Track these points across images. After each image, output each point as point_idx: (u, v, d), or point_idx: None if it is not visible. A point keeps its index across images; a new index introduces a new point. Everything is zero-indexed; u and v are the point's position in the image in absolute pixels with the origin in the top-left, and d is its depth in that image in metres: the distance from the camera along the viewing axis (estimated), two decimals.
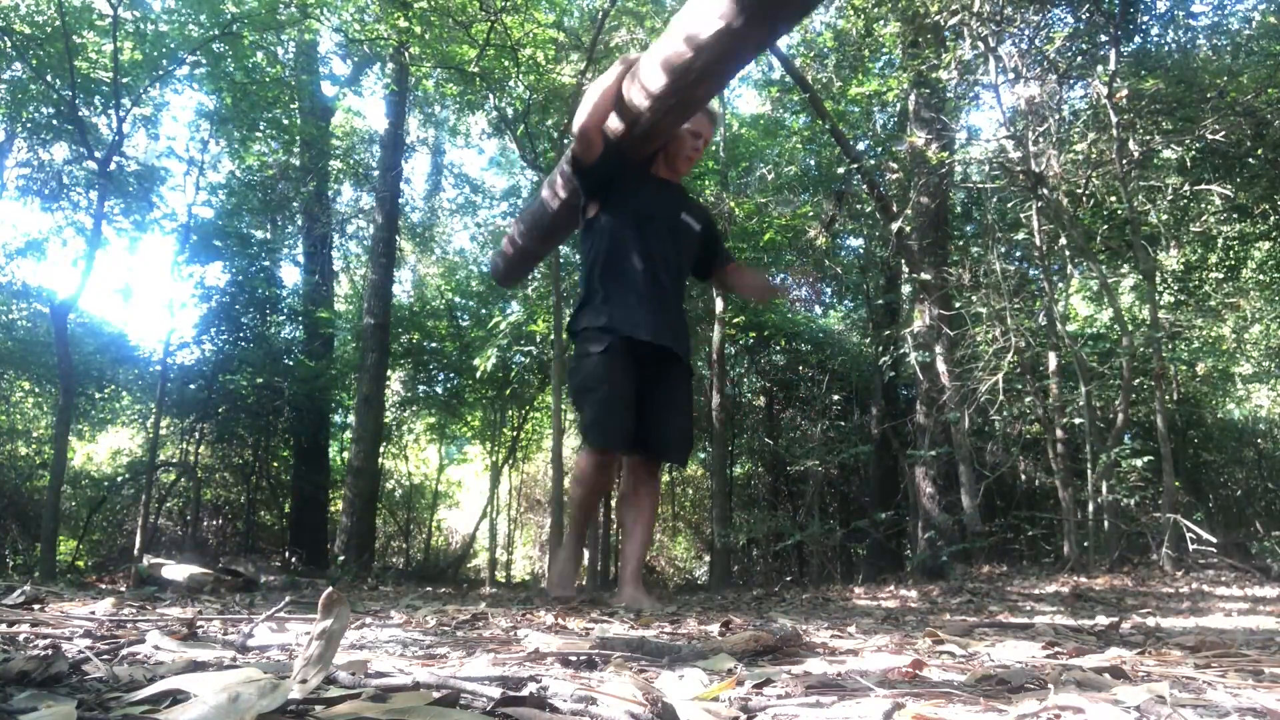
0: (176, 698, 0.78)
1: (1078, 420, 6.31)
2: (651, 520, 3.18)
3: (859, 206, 10.72)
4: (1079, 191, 6.69)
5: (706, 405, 10.80)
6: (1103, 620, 2.28)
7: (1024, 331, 6.70)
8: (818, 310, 13.86)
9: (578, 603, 2.78)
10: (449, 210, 16.41)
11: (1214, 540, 5.44)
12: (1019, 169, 6.41)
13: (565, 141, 9.75)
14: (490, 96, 9.38)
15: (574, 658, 1.28)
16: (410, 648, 1.48)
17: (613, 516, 14.00)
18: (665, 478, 15.17)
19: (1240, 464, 10.98)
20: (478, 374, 11.45)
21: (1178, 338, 8.09)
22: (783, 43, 9.38)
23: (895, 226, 7.26)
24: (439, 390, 13.55)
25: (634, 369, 2.96)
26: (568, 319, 3.15)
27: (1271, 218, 7.85)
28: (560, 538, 9.24)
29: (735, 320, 11.40)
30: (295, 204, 12.05)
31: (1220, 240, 7.96)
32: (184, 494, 11.50)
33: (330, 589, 0.93)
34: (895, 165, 8.17)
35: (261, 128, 9.79)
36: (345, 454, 12.49)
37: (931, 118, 7.86)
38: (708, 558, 12.92)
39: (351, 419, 11.60)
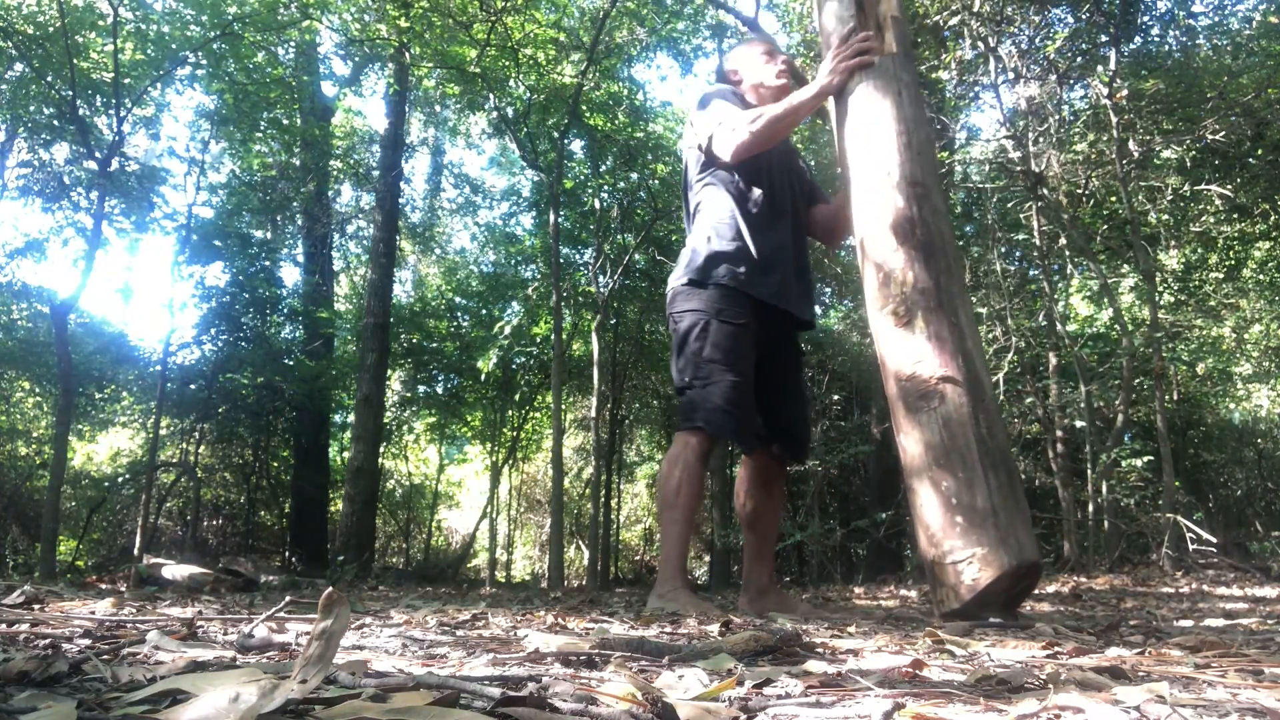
0: (176, 698, 0.78)
1: (1079, 424, 6.31)
2: (779, 516, 2.81)
3: None
4: (1079, 191, 6.69)
5: None
6: (1103, 620, 2.28)
7: (1024, 331, 6.69)
8: (818, 310, 13.87)
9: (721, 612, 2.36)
10: (449, 210, 16.42)
11: (1214, 540, 5.44)
12: (1019, 169, 6.41)
13: (566, 141, 9.76)
14: (490, 96, 9.38)
15: (574, 658, 1.28)
16: (410, 648, 1.48)
17: (614, 517, 14.01)
18: None
19: (1240, 464, 10.97)
20: (481, 376, 11.46)
21: (1178, 338, 8.09)
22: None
23: None
24: (439, 390, 13.55)
25: (757, 343, 2.57)
26: (687, 268, 2.60)
27: (1271, 218, 7.85)
28: (560, 538, 9.25)
29: None
30: (295, 204, 12.05)
31: (1220, 240, 7.95)
32: (184, 494, 11.50)
33: (330, 589, 0.93)
34: None
35: (262, 128, 9.79)
36: (345, 454, 12.49)
37: (931, 118, 7.86)
38: (708, 558, 12.92)
39: (351, 419, 11.61)
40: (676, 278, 2.64)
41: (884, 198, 1.88)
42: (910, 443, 1.67)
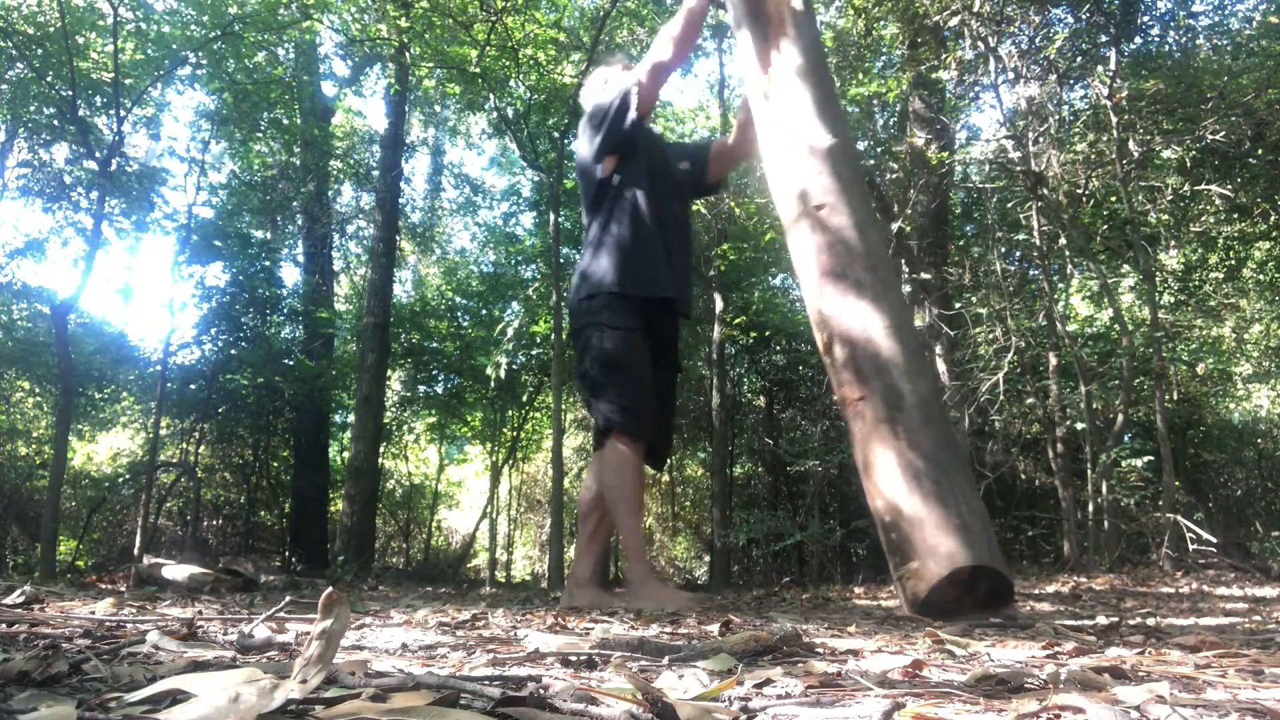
0: (176, 698, 0.78)
1: (1079, 425, 6.31)
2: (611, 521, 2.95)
3: None
4: (1079, 191, 6.69)
5: (706, 405, 10.79)
6: (1103, 620, 2.28)
7: (1024, 331, 6.70)
8: None
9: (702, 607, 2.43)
10: (449, 210, 16.42)
11: (1214, 540, 5.44)
12: (1019, 169, 6.41)
13: (566, 142, 9.75)
14: (491, 96, 9.38)
15: (574, 658, 1.28)
16: (410, 648, 1.48)
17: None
18: (665, 477, 15.17)
19: (1240, 464, 10.97)
20: (491, 382, 11.47)
21: (1178, 338, 8.08)
22: None
23: (895, 226, 7.26)
24: (439, 390, 13.55)
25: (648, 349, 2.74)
26: (576, 288, 2.81)
27: (1271, 218, 7.85)
28: (560, 538, 9.24)
29: (736, 320, 11.40)
30: (295, 204, 12.06)
31: (1220, 240, 7.95)
32: (184, 494, 11.50)
33: (330, 589, 0.93)
34: (895, 165, 8.18)
35: (262, 128, 9.79)
36: (345, 454, 12.49)
37: (931, 118, 7.87)
38: (708, 558, 12.92)
39: (351, 419, 11.60)
40: (574, 292, 2.82)
41: (796, 234, 1.86)
42: (859, 465, 1.66)
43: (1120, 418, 6.35)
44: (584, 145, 2.96)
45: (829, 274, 1.74)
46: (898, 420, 1.62)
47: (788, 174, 1.86)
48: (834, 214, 1.75)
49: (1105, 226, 7.68)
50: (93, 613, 1.86)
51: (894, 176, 8.21)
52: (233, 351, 10.74)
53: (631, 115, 2.75)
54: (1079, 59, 6.87)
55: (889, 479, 1.59)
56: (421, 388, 13.69)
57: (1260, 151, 6.92)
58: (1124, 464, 6.07)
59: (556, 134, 9.63)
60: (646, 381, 2.68)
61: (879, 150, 9.76)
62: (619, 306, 2.68)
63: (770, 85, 2.00)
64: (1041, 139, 6.45)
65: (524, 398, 13.40)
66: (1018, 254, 8.55)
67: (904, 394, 1.65)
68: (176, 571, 4.37)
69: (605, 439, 2.71)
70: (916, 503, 1.56)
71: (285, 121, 10.11)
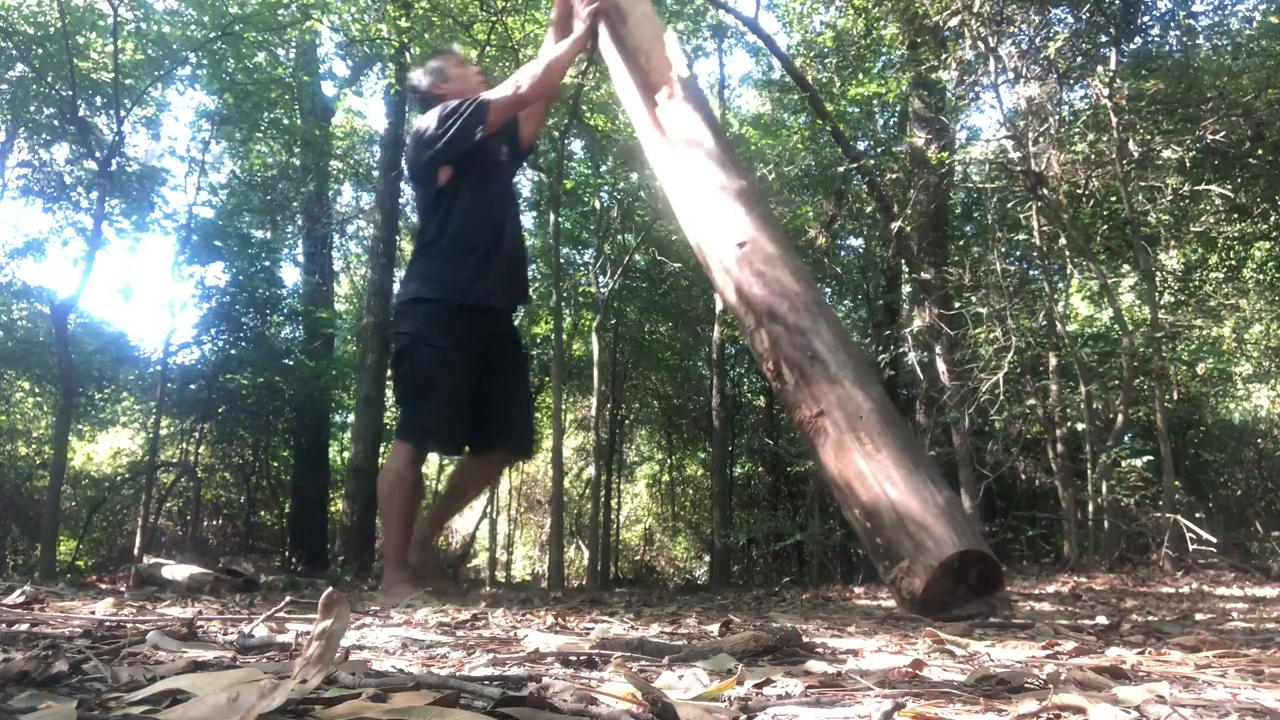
0: (176, 698, 0.78)
1: (1079, 426, 6.31)
2: (463, 503, 3.08)
3: (859, 206, 10.72)
4: (1079, 191, 6.69)
5: (706, 405, 10.79)
6: (1103, 620, 2.28)
7: (1024, 331, 6.69)
8: None
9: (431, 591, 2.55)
10: None
11: (1214, 540, 5.44)
12: (1019, 169, 6.41)
13: (566, 142, 9.75)
14: None
15: (574, 658, 1.28)
16: (410, 648, 1.48)
17: (614, 517, 14.02)
18: (665, 477, 15.17)
19: (1240, 464, 10.96)
20: None
21: (1178, 338, 8.08)
22: (783, 42, 9.39)
23: (895, 226, 7.26)
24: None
25: (475, 353, 2.77)
26: (403, 289, 2.87)
27: (1271, 218, 7.85)
28: (560, 538, 9.24)
29: (736, 320, 11.40)
30: (295, 204, 12.05)
31: (1220, 240, 7.95)
32: (184, 494, 11.50)
33: (330, 589, 0.93)
34: (895, 165, 8.18)
35: (262, 128, 9.79)
36: (345, 454, 12.48)
37: (931, 118, 7.87)
38: (708, 558, 12.92)
39: (351, 419, 11.60)
40: (399, 295, 2.89)
41: (719, 279, 1.88)
42: (830, 480, 1.68)
43: (1120, 418, 6.35)
44: (420, 150, 2.88)
45: (765, 303, 1.78)
46: (859, 428, 1.65)
47: (705, 219, 1.91)
48: (757, 249, 1.80)
49: (1105, 226, 7.68)
50: (93, 613, 1.86)
51: (894, 176, 8.20)
52: (233, 351, 10.73)
53: (479, 133, 2.71)
54: (1079, 59, 6.86)
55: (863, 486, 1.61)
56: None
57: (1260, 151, 6.92)
58: (1124, 464, 6.07)
59: (556, 134, 9.63)
60: (456, 401, 2.71)
61: (879, 150, 9.76)
62: (443, 319, 2.69)
63: (671, 142, 2.04)
64: (1041, 139, 6.44)
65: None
66: (1018, 254, 8.55)
67: (859, 402, 1.68)
68: (176, 571, 4.37)
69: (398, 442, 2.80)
70: (894, 503, 1.58)
71: (285, 121, 10.11)
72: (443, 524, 2.96)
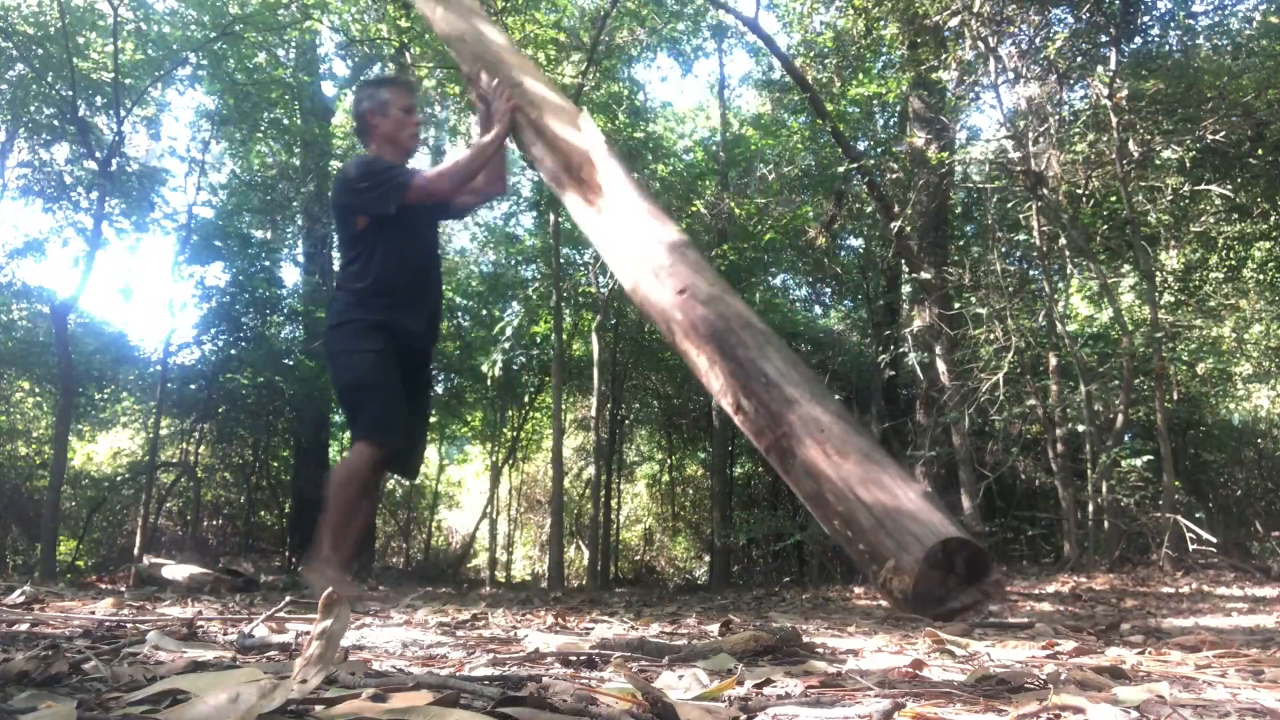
0: (176, 698, 0.78)
1: (1079, 426, 6.31)
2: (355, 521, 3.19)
3: (859, 206, 10.72)
4: (1079, 191, 6.69)
5: (706, 405, 10.79)
6: (1103, 620, 2.28)
7: (1024, 331, 6.69)
8: (818, 310, 13.86)
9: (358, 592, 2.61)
10: None
11: (1214, 540, 5.44)
12: (1019, 169, 6.41)
13: None
14: None
15: (574, 658, 1.28)
16: (410, 648, 1.48)
17: (614, 517, 14.02)
18: (665, 477, 15.18)
19: (1240, 464, 10.96)
20: (488, 379, 11.47)
21: (1178, 338, 8.08)
22: (783, 42, 9.39)
23: (895, 226, 7.26)
24: (439, 390, 13.53)
25: (398, 365, 2.94)
26: (336, 309, 3.01)
27: (1271, 218, 7.84)
28: (560, 538, 9.24)
29: None
30: (295, 204, 12.05)
31: (1220, 240, 7.95)
32: (184, 494, 11.50)
33: (330, 589, 0.93)
34: (895, 165, 8.18)
35: (262, 128, 9.78)
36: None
37: (931, 118, 7.87)
38: (708, 558, 12.92)
39: None
40: (328, 318, 3.01)
41: (670, 321, 1.97)
42: (804, 497, 1.72)
43: (1120, 418, 6.34)
44: (339, 193, 3.00)
45: (713, 342, 1.87)
46: (824, 441, 1.71)
47: (644, 274, 2.03)
48: (697, 292, 1.89)
49: (1105, 226, 7.68)
50: (93, 613, 1.86)
51: (894, 176, 8.21)
52: (233, 351, 10.73)
53: (392, 208, 2.83)
54: (1079, 59, 6.86)
55: (836, 496, 1.65)
56: None
57: (1260, 151, 6.92)
58: (1124, 464, 6.07)
59: None
60: (397, 395, 2.88)
61: (879, 150, 9.76)
62: (370, 332, 2.88)
63: (600, 209, 2.18)
64: (1041, 139, 6.44)
65: (524, 398, 13.39)
66: (1018, 254, 8.55)
67: (819, 416, 1.74)
68: (176, 571, 4.37)
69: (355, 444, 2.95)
70: (869, 506, 1.61)
71: (285, 121, 10.11)
72: (348, 547, 2.99)
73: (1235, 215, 7.75)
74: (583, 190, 2.23)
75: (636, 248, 2.08)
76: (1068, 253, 7.41)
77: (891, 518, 1.60)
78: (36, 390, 11.41)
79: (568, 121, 2.36)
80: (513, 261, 12.96)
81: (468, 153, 2.88)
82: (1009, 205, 7.63)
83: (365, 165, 2.93)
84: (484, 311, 12.69)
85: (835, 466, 1.66)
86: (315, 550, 2.85)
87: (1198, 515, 6.81)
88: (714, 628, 1.95)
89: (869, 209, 10.01)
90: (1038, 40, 6.77)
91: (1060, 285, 7.78)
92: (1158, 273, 7.48)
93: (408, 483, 15.50)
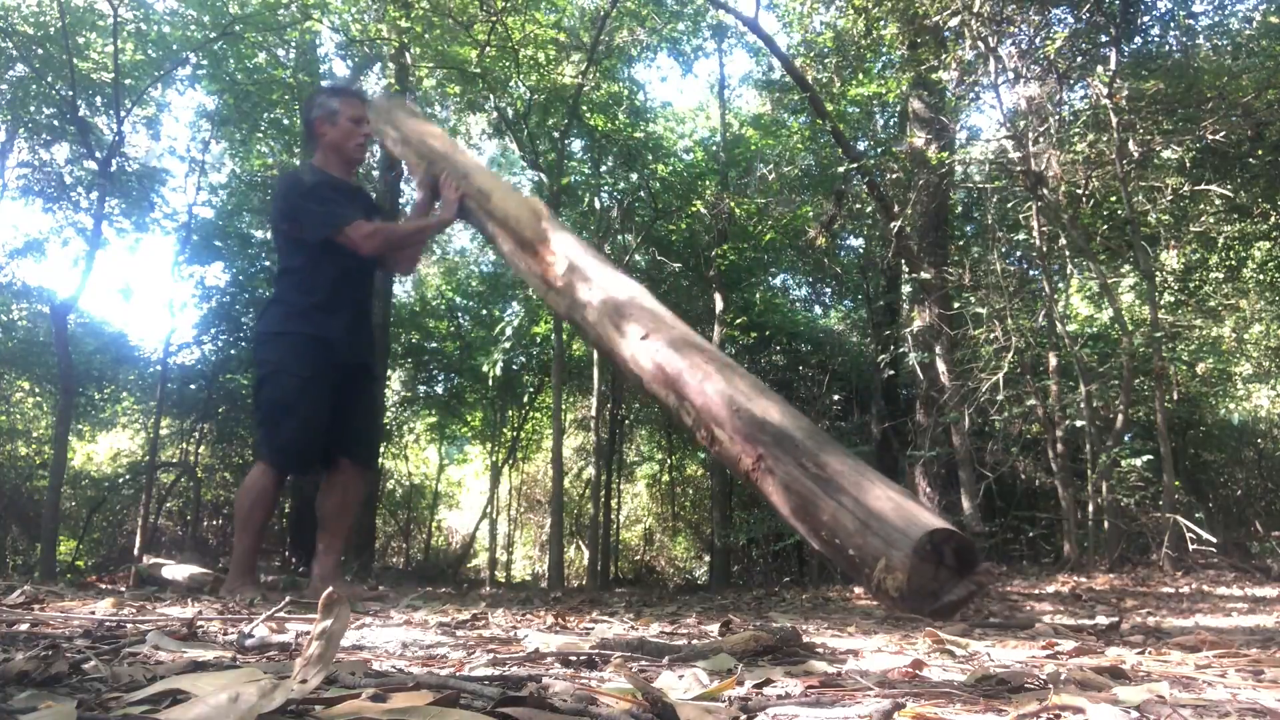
0: (176, 698, 0.78)
1: (1079, 423, 6.31)
2: (352, 516, 3.27)
3: (859, 206, 10.72)
4: (1079, 191, 6.69)
5: None
6: (1103, 620, 2.28)
7: (1024, 331, 6.69)
8: (818, 310, 13.86)
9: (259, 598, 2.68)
10: None
11: (1214, 540, 5.44)
12: (1019, 169, 6.41)
13: (566, 142, 9.75)
14: (491, 97, 9.38)
15: (574, 658, 1.28)
16: (410, 648, 1.48)
17: (614, 517, 14.01)
18: (665, 477, 15.17)
19: (1240, 464, 10.96)
20: (488, 379, 11.47)
21: (1178, 338, 8.08)
22: (783, 42, 9.39)
23: (895, 226, 7.26)
24: (439, 390, 13.54)
25: (330, 384, 2.98)
26: (265, 316, 3.07)
27: (1271, 218, 7.84)
28: (560, 538, 9.24)
29: (736, 320, 11.40)
30: None
31: (1220, 240, 7.94)
32: (184, 494, 11.50)
33: (330, 589, 0.93)
34: (895, 165, 8.17)
35: (262, 128, 9.79)
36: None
37: (931, 118, 7.86)
38: (708, 558, 12.92)
39: None
40: (262, 324, 3.04)
41: (637, 365, 2.08)
42: (791, 516, 1.76)
43: (1120, 418, 6.34)
44: (278, 200, 3.03)
45: (679, 378, 1.95)
46: (799, 457, 1.76)
47: (607, 328, 2.18)
48: (658, 335, 2.00)
49: (1105, 226, 7.68)
50: (93, 613, 1.86)
51: (894, 176, 8.20)
52: (233, 351, 10.73)
53: (318, 239, 2.89)
54: (1079, 59, 6.86)
55: (821, 505, 1.69)
56: (421, 388, 13.68)
57: (1260, 151, 6.92)
58: (1124, 464, 6.07)
59: (556, 134, 9.63)
60: (313, 426, 2.94)
61: (879, 150, 9.76)
62: (302, 349, 2.90)
63: (558, 276, 2.32)
64: (1041, 139, 6.44)
65: (524, 398, 13.39)
66: (1018, 254, 8.55)
67: (790, 433, 1.80)
68: (176, 571, 4.37)
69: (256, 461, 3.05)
70: (852, 510, 1.65)
71: (285, 121, 10.11)
72: (334, 557, 3.05)
73: (1235, 215, 7.75)
74: (539, 263, 2.36)
75: (595, 307, 2.21)
76: (1068, 253, 7.41)
77: (875, 518, 1.65)
78: (36, 390, 11.41)
79: (517, 205, 2.50)
80: None
81: (408, 227, 2.97)
82: (1009, 205, 7.63)
83: (315, 188, 2.95)
84: (484, 311, 12.70)
85: (814, 477, 1.72)
86: (231, 575, 2.96)
87: (1198, 515, 6.81)
88: (714, 628, 1.95)
89: (869, 209, 10.01)
90: (1038, 40, 6.77)
91: (1060, 285, 7.77)
92: (1158, 273, 7.48)
93: (408, 481, 15.51)
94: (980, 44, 6.61)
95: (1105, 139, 6.36)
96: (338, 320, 2.96)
